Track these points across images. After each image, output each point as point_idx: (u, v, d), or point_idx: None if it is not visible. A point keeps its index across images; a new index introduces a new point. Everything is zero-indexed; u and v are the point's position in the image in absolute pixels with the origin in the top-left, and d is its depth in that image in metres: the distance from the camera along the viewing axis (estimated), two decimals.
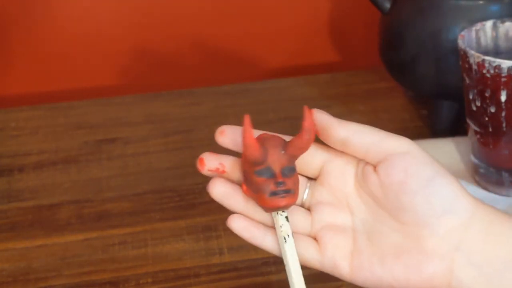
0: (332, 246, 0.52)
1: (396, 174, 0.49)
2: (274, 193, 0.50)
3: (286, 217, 0.51)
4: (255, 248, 0.72)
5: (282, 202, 0.50)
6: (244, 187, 0.52)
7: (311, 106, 0.98)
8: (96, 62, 1.06)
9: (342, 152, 0.52)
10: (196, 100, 0.99)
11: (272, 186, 0.50)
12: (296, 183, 0.51)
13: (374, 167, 0.51)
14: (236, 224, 0.53)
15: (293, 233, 0.52)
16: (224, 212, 0.78)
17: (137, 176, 0.85)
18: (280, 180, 0.50)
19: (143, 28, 1.05)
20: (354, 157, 0.52)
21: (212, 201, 0.80)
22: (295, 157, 0.51)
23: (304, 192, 0.54)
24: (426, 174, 0.49)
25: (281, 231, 0.51)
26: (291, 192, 0.50)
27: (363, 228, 0.52)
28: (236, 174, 0.53)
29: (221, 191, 0.53)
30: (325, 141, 0.52)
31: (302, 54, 1.09)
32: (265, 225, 0.53)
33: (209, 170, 0.53)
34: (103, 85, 1.07)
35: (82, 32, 1.04)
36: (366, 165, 0.51)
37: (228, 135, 0.52)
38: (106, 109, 0.98)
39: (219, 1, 1.05)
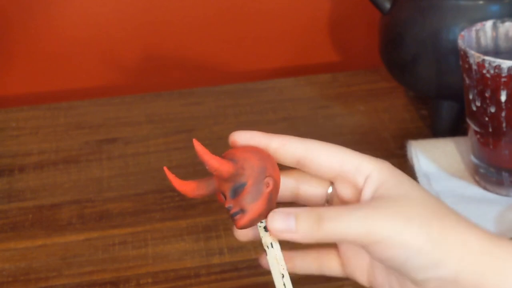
0: (354, 262, 0.53)
1: (375, 258, 0.49)
2: (232, 215, 0.50)
3: (265, 227, 0.51)
4: (255, 248, 0.73)
5: (240, 222, 0.50)
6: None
7: (312, 106, 0.98)
8: (97, 62, 1.06)
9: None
10: (197, 100, 0.99)
11: (227, 210, 0.51)
12: (249, 194, 0.50)
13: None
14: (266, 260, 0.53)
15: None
16: (224, 212, 0.78)
17: (137, 176, 0.85)
18: (226, 206, 0.50)
19: (144, 28, 1.05)
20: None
21: (212, 201, 0.80)
22: (232, 177, 0.50)
23: (328, 191, 0.54)
24: (401, 256, 0.48)
25: (263, 242, 0.51)
26: (239, 213, 0.50)
27: (380, 270, 0.53)
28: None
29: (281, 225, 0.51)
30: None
31: (302, 54, 1.09)
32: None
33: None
34: (104, 85, 1.07)
35: (82, 32, 1.04)
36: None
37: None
38: (107, 109, 0.98)
39: (219, 1, 1.05)
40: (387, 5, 0.87)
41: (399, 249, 0.48)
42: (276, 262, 0.51)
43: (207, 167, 0.50)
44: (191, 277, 0.71)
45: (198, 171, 0.85)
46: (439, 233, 0.49)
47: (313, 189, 0.54)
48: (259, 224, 0.51)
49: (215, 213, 0.78)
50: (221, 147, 0.88)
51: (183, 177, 0.84)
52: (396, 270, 0.49)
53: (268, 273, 0.70)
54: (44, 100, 1.05)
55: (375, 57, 0.92)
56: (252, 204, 0.50)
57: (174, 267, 0.72)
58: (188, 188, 0.51)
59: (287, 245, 0.52)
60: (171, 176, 0.51)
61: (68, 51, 1.05)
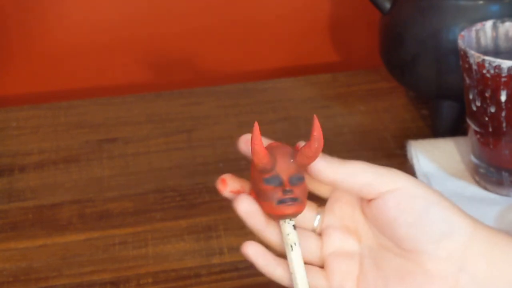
0: (340, 273, 0.53)
1: (389, 211, 0.50)
2: (281, 201, 0.50)
3: (294, 226, 0.51)
4: None
5: (289, 210, 0.50)
6: (253, 195, 0.52)
7: (312, 106, 0.98)
8: (97, 62, 1.06)
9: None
10: (197, 100, 0.99)
11: (280, 194, 0.50)
12: (304, 191, 0.51)
13: (368, 201, 0.52)
14: (252, 250, 0.53)
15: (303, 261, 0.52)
16: (225, 212, 0.78)
17: (138, 175, 0.85)
18: (287, 188, 0.50)
19: (144, 28, 1.05)
20: None
21: (212, 201, 0.80)
22: (303, 166, 0.51)
23: (316, 218, 0.54)
24: (419, 205, 0.50)
25: (288, 239, 0.51)
26: (298, 201, 0.50)
27: (369, 254, 0.52)
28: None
29: (247, 209, 0.52)
30: (317, 180, 0.52)
31: (302, 54, 1.09)
32: (278, 255, 0.53)
33: (231, 191, 0.53)
34: (104, 85, 1.07)
35: (82, 32, 1.04)
36: (362, 199, 0.52)
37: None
38: (107, 108, 0.98)
39: (219, 2, 1.05)
40: (387, 5, 0.87)
41: (419, 198, 0.49)
42: (301, 260, 0.51)
43: (309, 148, 0.49)
44: (191, 277, 0.71)
45: (198, 171, 0.85)
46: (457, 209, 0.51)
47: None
48: (288, 221, 0.51)
49: (215, 213, 0.78)
50: (221, 147, 0.89)
51: (183, 177, 0.84)
52: (403, 236, 0.49)
53: None
54: (44, 100, 1.05)
55: (375, 57, 0.92)
56: (305, 199, 0.51)
57: (174, 267, 0.72)
58: (266, 156, 0.50)
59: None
60: (257, 134, 0.49)
61: (69, 51, 1.05)
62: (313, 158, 0.50)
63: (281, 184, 0.50)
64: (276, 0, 1.06)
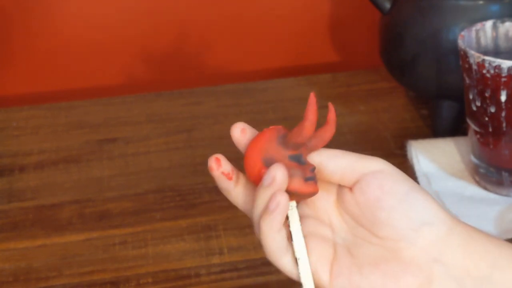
0: (316, 253, 0.52)
1: (372, 192, 0.50)
2: (309, 178, 0.50)
3: (296, 207, 0.52)
4: (255, 248, 0.73)
5: (315, 187, 0.51)
6: (253, 178, 0.52)
7: None
8: (97, 62, 1.06)
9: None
10: (197, 100, 0.99)
11: (308, 171, 0.50)
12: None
13: (350, 188, 0.51)
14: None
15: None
16: (224, 212, 0.78)
17: (138, 175, 0.85)
18: (312, 167, 0.51)
19: (144, 28, 1.05)
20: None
21: (212, 201, 0.80)
22: (315, 148, 0.52)
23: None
24: (402, 189, 0.50)
25: (294, 225, 0.52)
26: (316, 181, 0.51)
27: (343, 243, 0.52)
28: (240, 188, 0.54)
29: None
30: None
31: (302, 54, 1.09)
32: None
33: (222, 173, 0.53)
34: (104, 85, 1.07)
35: (82, 32, 1.04)
36: (342, 187, 0.52)
37: (247, 136, 0.53)
38: (107, 108, 0.98)
39: (219, 2, 1.05)
40: (387, 5, 0.87)
41: (402, 181, 0.50)
42: (296, 212, 0.52)
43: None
44: (191, 277, 0.71)
45: (198, 170, 0.85)
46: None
47: None
48: (290, 203, 0.52)
49: (215, 213, 0.78)
50: (221, 147, 0.89)
51: (183, 176, 0.84)
52: (384, 220, 0.49)
53: (268, 273, 0.71)
54: (44, 100, 1.05)
55: (375, 57, 0.92)
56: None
57: (174, 267, 0.72)
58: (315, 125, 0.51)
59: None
60: (314, 105, 0.50)
61: (69, 51, 1.05)
62: (327, 141, 0.51)
63: (304, 163, 0.51)
64: (276, 0, 1.06)
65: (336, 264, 0.51)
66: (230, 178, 0.53)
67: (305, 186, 0.50)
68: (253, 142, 0.52)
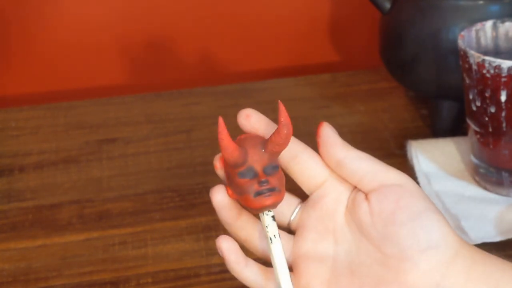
0: (307, 275, 0.51)
1: (387, 204, 0.49)
2: (258, 193, 0.49)
3: (273, 217, 0.50)
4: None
5: (268, 201, 0.49)
6: (229, 190, 0.51)
7: (312, 106, 0.98)
8: (96, 62, 1.06)
9: (341, 177, 0.52)
10: (197, 100, 0.99)
11: (256, 186, 0.49)
12: (281, 180, 0.50)
13: (366, 195, 0.51)
14: (226, 245, 0.52)
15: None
16: None
17: (137, 176, 0.85)
18: (263, 179, 0.49)
19: (144, 28, 1.05)
20: (349, 183, 0.52)
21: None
22: (276, 154, 0.50)
23: (294, 212, 0.53)
24: (416, 207, 0.49)
25: (267, 231, 0.50)
26: (276, 190, 0.49)
27: (345, 258, 0.51)
28: None
29: (221, 200, 0.52)
30: (322, 156, 0.52)
31: (302, 54, 1.09)
32: (246, 256, 0.53)
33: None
34: (103, 85, 1.07)
35: (82, 32, 1.04)
36: (358, 192, 0.51)
37: (253, 120, 0.52)
38: (107, 109, 0.98)
39: (219, 2, 1.05)
40: (387, 5, 0.87)
41: (419, 200, 0.49)
42: (282, 253, 0.50)
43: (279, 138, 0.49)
44: (191, 277, 0.71)
45: (198, 171, 0.85)
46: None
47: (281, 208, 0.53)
48: (266, 213, 0.50)
49: (215, 213, 0.78)
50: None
51: (183, 177, 0.84)
52: (394, 235, 0.49)
53: None
54: (44, 100, 1.05)
55: (375, 57, 0.92)
56: (283, 187, 0.50)
57: (174, 267, 0.72)
58: (236, 150, 0.49)
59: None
60: (222, 128, 0.49)
61: (68, 51, 1.05)
62: (284, 145, 0.49)
63: (256, 176, 0.49)
64: (276, 0, 1.06)
65: (335, 283, 0.51)
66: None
67: (255, 202, 0.49)
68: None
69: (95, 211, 0.80)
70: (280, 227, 0.53)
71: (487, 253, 0.51)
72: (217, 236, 0.75)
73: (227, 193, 0.52)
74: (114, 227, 0.77)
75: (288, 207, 0.53)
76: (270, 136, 0.50)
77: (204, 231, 0.76)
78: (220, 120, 0.49)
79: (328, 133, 0.52)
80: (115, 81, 1.07)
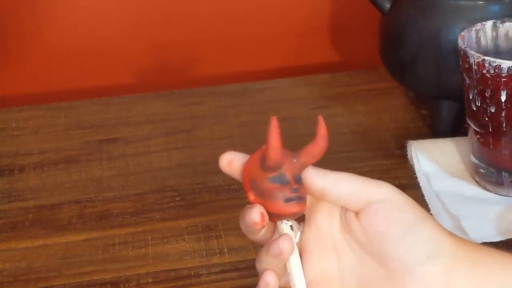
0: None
1: (378, 224, 0.50)
2: (289, 199, 0.50)
3: (291, 226, 0.51)
4: (255, 248, 0.73)
5: (297, 208, 0.50)
6: (252, 196, 0.51)
7: (311, 106, 0.98)
8: (97, 62, 1.06)
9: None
10: (197, 100, 0.99)
11: (288, 192, 0.50)
12: (305, 191, 0.51)
13: (356, 214, 0.51)
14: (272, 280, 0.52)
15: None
16: (225, 212, 0.78)
17: (137, 176, 0.85)
18: (295, 186, 0.50)
19: (144, 28, 1.05)
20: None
21: (212, 201, 0.80)
22: (306, 165, 0.51)
23: (296, 235, 0.53)
24: (406, 221, 0.50)
25: None
26: (303, 199, 0.51)
27: (351, 275, 0.52)
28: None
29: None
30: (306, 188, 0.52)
31: (302, 54, 1.09)
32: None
33: (263, 226, 0.52)
34: (104, 85, 1.07)
35: (82, 32, 1.04)
36: (348, 211, 0.52)
37: (236, 165, 0.52)
38: (107, 108, 0.98)
39: (219, 2, 1.05)
40: (387, 5, 0.87)
41: (407, 213, 0.50)
42: (299, 262, 0.51)
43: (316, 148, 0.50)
44: (191, 277, 0.71)
45: (198, 171, 0.85)
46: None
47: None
48: (285, 222, 0.51)
49: (215, 213, 0.78)
50: (221, 147, 0.88)
51: (183, 177, 0.84)
52: (391, 253, 0.49)
53: None
54: (44, 100, 1.05)
55: (375, 57, 0.92)
56: (306, 198, 0.51)
57: (174, 267, 0.72)
58: (281, 153, 0.50)
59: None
60: (276, 129, 0.49)
61: (68, 51, 1.05)
62: (317, 157, 0.50)
63: (287, 183, 0.50)
64: (276, 0, 1.06)
65: None
66: (263, 227, 0.52)
67: (285, 208, 0.50)
68: (245, 163, 0.52)
69: (95, 211, 0.80)
70: None
71: (486, 250, 0.51)
72: (217, 236, 0.75)
73: (249, 198, 0.52)
74: (114, 227, 0.77)
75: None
76: (306, 147, 0.51)
77: (204, 231, 0.76)
78: (274, 120, 0.49)
79: None
80: (115, 81, 1.07)
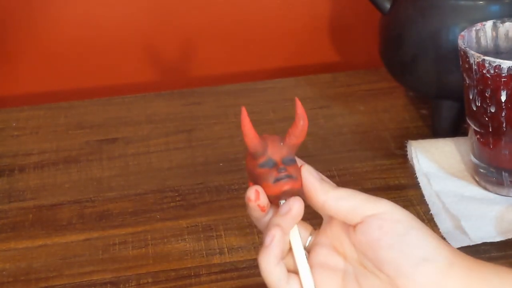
0: (321, 283, 0.53)
1: (372, 233, 0.51)
2: (277, 179, 0.52)
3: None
4: (255, 248, 0.73)
5: (286, 185, 0.52)
6: (251, 185, 0.54)
7: (311, 106, 0.98)
8: (97, 62, 1.06)
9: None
10: (197, 100, 0.99)
11: (275, 173, 0.52)
12: (298, 171, 0.53)
13: (354, 227, 0.52)
14: (278, 236, 0.53)
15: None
16: (225, 212, 0.78)
17: (138, 176, 0.85)
18: (281, 166, 0.52)
19: (144, 28, 1.05)
20: None
21: (212, 201, 0.80)
22: (293, 146, 0.53)
23: (307, 240, 0.55)
24: (401, 228, 0.51)
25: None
26: (293, 177, 0.52)
27: (353, 272, 0.53)
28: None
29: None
30: (307, 201, 0.54)
31: (302, 54, 1.09)
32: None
33: (258, 205, 0.53)
34: (104, 85, 1.07)
35: (82, 32, 1.04)
36: (348, 226, 0.53)
37: (261, 200, 0.53)
38: (107, 108, 0.98)
39: (220, 2, 1.05)
40: (387, 5, 0.87)
41: (400, 222, 0.51)
42: (300, 239, 0.53)
43: (296, 129, 0.53)
44: (191, 277, 0.71)
45: (198, 171, 0.85)
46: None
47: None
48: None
49: (215, 213, 0.78)
50: (222, 147, 0.89)
51: (183, 177, 0.84)
52: (384, 258, 0.50)
53: None
54: (44, 100, 1.05)
55: (375, 57, 0.92)
56: (300, 177, 0.53)
57: (174, 267, 0.72)
58: (256, 138, 0.52)
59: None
60: (245, 117, 0.52)
61: (69, 51, 1.05)
62: (301, 137, 0.53)
63: (275, 165, 0.52)
64: (276, 0, 1.06)
65: None
66: (264, 211, 0.54)
67: (274, 188, 0.52)
68: (245, 160, 0.54)
69: (95, 211, 0.80)
70: None
71: (482, 262, 0.52)
72: (217, 236, 0.75)
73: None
74: (114, 227, 0.77)
75: (304, 233, 0.55)
76: (288, 129, 0.53)
77: (204, 231, 0.76)
78: (243, 110, 0.52)
79: (307, 178, 0.53)
80: (115, 81, 1.07)
